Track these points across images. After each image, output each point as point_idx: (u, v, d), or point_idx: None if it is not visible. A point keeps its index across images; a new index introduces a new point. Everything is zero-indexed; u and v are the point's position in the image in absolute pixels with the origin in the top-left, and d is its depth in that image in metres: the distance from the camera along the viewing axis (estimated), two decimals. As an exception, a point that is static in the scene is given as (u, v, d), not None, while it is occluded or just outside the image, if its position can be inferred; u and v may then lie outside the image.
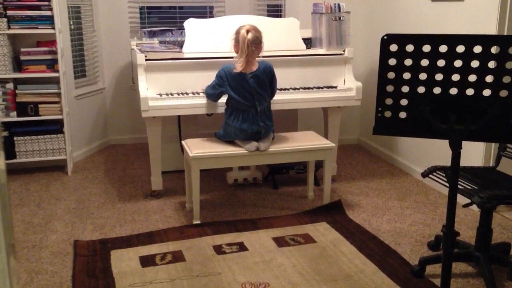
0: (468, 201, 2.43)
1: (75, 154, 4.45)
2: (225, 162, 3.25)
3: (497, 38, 1.53)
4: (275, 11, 5.01)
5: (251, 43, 3.08)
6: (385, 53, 1.66)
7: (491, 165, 2.92)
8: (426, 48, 1.62)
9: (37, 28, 3.93)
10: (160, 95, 3.38)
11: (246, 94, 3.15)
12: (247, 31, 3.09)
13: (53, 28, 3.91)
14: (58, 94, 4.02)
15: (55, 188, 3.87)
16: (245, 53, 3.08)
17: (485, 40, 1.55)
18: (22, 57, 3.96)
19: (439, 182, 2.52)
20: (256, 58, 3.18)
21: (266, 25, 3.55)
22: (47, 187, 3.88)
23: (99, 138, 4.91)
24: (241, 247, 2.88)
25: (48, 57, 4.01)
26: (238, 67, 3.12)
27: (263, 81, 3.16)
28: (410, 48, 1.67)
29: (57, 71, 3.99)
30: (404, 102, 1.60)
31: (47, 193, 3.77)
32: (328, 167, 3.38)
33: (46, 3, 3.90)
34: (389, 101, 1.62)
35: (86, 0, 4.62)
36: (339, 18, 3.76)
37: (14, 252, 1.29)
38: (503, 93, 1.48)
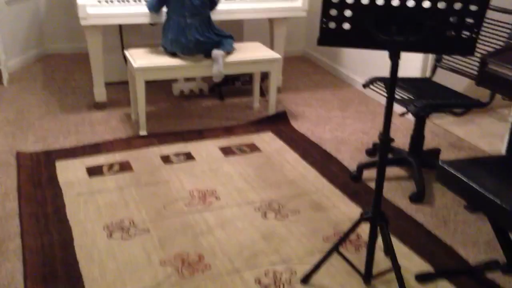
0: (405, 110, 2.58)
1: (10, 64, 4.23)
2: (170, 73, 3.20)
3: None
4: None
5: None
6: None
7: (427, 76, 3.05)
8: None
9: None
10: (100, 1, 3.20)
11: (178, 2, 3.05)
12: None
13: None
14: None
15: (-9, 99, 3.71)
16: None
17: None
18: None
19: (378, 93, 2.63)
20: None
21: None
22: (-17, 99, 3.72)
23: (35, 46, 4.65)
24: (188, 156, 2.95)
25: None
26: None
27: None
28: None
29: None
30: (348, 13, 1.61)
31: (-17, 104, 3.62)
32: (273, 78, 3.41)
33: None
34: (333, 12, 1.63)
35: None
36: None
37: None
38: (441, 5, 1.53)
